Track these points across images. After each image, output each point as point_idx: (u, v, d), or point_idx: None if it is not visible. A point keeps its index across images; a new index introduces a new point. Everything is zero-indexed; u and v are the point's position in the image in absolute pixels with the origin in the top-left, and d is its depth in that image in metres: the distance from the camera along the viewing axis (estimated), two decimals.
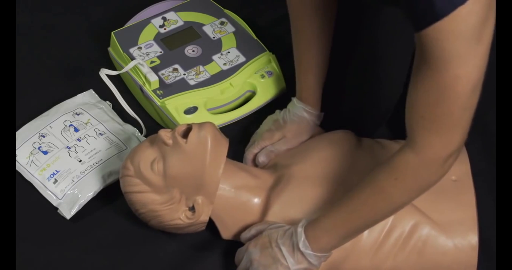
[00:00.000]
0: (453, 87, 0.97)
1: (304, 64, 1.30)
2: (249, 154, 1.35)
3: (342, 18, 1.28)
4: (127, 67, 1.42)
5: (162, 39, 1.49)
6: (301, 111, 1.32)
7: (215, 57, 1.47)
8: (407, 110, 1.04)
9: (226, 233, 1.26)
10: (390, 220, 1.18)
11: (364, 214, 1.11)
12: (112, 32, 1.48)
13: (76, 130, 1.38)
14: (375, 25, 1.27)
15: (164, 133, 1.19)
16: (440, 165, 1.04)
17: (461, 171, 1.23)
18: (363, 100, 1.34)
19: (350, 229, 1.12)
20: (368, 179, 1.10)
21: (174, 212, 1.22)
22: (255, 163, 1.34)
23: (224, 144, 1.22)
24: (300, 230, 1.14)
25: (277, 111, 1.38)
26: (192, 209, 1.23)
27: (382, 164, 1.08)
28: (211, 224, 1.26)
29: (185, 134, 1.20)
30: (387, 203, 1.09)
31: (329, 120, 1.36)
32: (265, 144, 1.34)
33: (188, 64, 1.45)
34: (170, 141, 1.19)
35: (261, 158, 1.32)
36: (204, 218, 1.23)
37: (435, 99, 0.99)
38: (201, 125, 1.20)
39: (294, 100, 1.34)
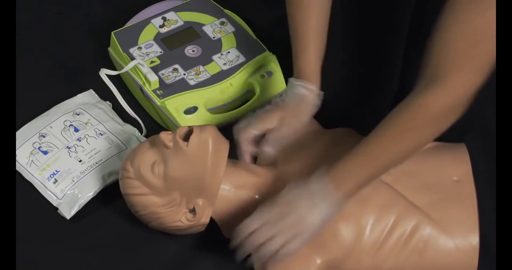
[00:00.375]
0: (492, 29, 1.03)
1: (302, 38, 1.25)
2: (247, 134, 1.24)
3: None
4: (127, 67, 1.42)
5: (162, 39, 1.49)
6: (300, 89, 1.25)
7: (215, 57, 1.47)
8: (442, 48, 1.07)
9: (229, 233, 1.26)
10: (391, 220, 1.18)
11: (387, 151, 1.12)
12: (112, 32, 1.48)
13: (76, 130, 1.38)
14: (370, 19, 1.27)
15: (165, 136, 1.19)
16: (464, 103, 1.08)
17: (462, 171, 1.23)
18: (359, 93, 1.34)
19: (372, 169, 1.12)
20: (386, 124, 1.12)
21: (174, 215, 1.22)
22: (253, 144, 1.26)
23: (225, 147, 1.21)
24: (317, 176, 1.12)
25: (277, 95, 1.32)
26: (192, 211, 1.23)
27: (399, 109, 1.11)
28: (211, 223, 1.26)
29: (186, 137, 1.20)
30: (412, 141, 1.11)
31: (327, 116, 1.36)
32: (264, 126, 1.25)
33: (188, 64, 1.45)
34: (171, 144, 1.19)
35: (269, 149, 1.25)
36: (205, 220, 1.23)
37: (480, 37, 1.04)
38: (202, 127, 1.20)
39: (292, 79, 1.27)
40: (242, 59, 1.47)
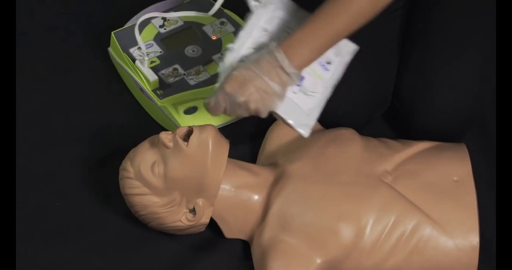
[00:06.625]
0: None
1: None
2: None
3: None
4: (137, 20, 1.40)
5: (162, 39, 1.49)
6: None
7: (215, 57, 1.47)
8: None
9: (229, 232, 1.26)
10: (391, 220, 1.19)
11: (329, 21, 1.14)
12: (112, 32, 1.48)
13: None
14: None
15: (165, 136, 1.19)
16: None
17: (462, 171, 1.23)
18: (358, 93, 1.34)
19: (321, 38, 1.15)
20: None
21: (174, 215, 1.22)
22: None
23: (225, 147, 1.22)
24: (273, 47, 1.15)
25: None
26: (192, 211, 1.23)
27: None
28: (211, 223, 1.26)
29: (186, 137, 1.20)
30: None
31: (327, 116, 1.36)
32: None
33: (188, 64, 1.45)
34: (171, 144, 1.19)
35: None
36: (205, 220, 1.23)
37: None
38: (202, 127, 1.20)
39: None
40: None
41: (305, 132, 1.21)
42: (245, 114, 1.18)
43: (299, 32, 1.15)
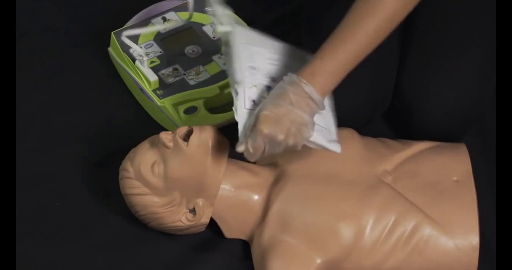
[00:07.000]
0: None
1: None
2: None
3: None
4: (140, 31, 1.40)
5: (162, 39, 1.49)
6: None
7: (215, 57, 1.47)
8: None
9: (229, 232, 1.26)
10: (391, 220, 1.19)
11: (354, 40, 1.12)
12: (112, 32, 1.48)
13: None
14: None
15: (165, 136, 1.19)
16: None
17: (462, 172, 1.24)
18: (357, 94, 1.34)
19: (340, 62, 1.13)
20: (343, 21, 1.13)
21: (174, 215, 1.22)
22: None
23: (225, 147, 1.22)
24: (295, 78, 1.12)
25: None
26: (192, 211, 1.23)
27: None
28: (211, 223, 1.26)
29: (186, 137, 1.20)
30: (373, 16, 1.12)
31: None
32: None
33: (188, 64, 1.46)
34: (171, 144, 1.19)
35: None
36: (205, 220, 1.23)
37: None
38: (202, 128, 1.20)
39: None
40: None
41: (337, 148, 1.17)
42: (281, 150, 1.14)
43: (318, 58, 1.13)
